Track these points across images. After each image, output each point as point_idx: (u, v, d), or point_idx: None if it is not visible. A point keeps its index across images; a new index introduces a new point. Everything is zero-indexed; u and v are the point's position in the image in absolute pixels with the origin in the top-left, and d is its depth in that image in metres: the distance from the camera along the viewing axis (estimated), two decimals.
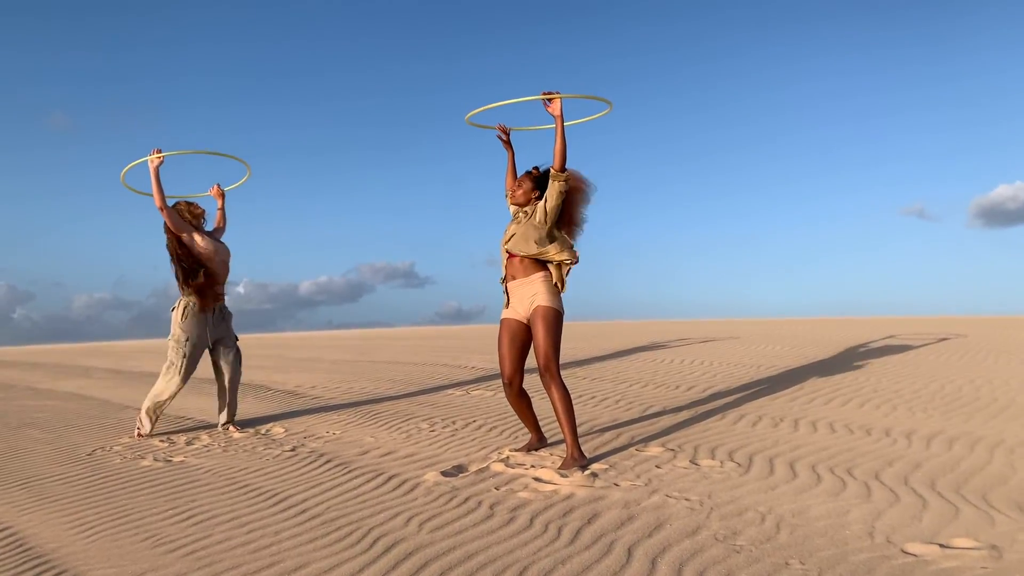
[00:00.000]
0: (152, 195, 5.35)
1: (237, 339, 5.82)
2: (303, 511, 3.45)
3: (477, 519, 3.20)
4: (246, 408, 6.84)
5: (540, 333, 4.07)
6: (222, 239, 5.89)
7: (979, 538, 2.73)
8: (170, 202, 5.46)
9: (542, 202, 4.18)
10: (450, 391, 7.37)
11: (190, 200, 5.73)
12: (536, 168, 4.41)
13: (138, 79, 37.26)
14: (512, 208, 4.42)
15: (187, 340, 5.43)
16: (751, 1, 36.07)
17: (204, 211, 5.74)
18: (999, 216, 31.79)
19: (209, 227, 5.85)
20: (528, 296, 4.15)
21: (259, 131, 37.75)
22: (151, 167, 5.32)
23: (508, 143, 4.70)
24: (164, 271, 5.53)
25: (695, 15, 37.26)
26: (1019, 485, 3.41)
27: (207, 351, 5.67)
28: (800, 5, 35.19)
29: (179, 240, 5.43)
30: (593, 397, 6.47)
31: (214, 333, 5.62)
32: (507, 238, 4.26)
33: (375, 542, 2.96)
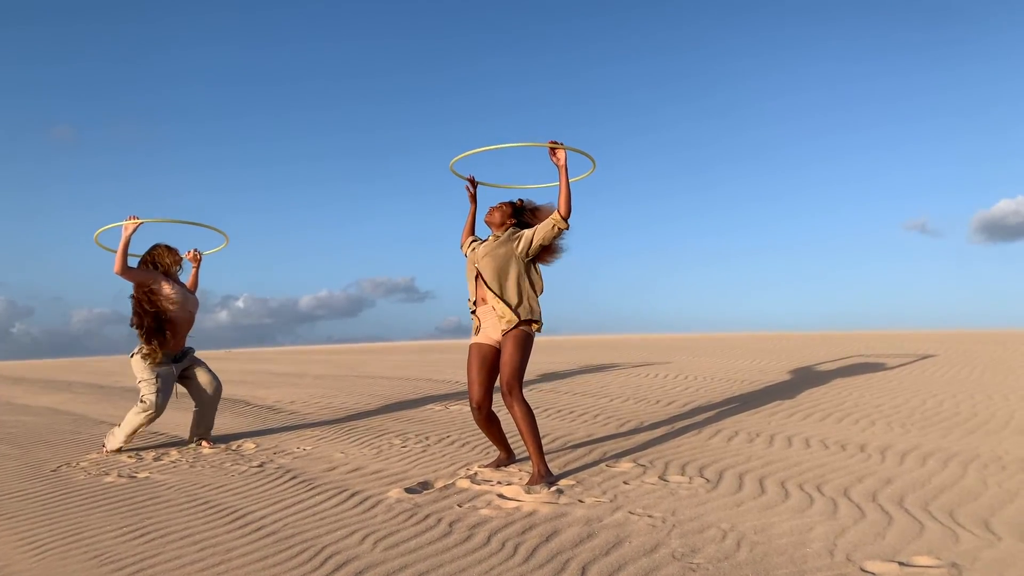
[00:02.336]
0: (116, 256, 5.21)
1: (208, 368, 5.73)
2: (259, 528, 3.38)
3: (434, 537, 3.13)
4: (221, 423, 6.76)
5: (508, 352, 3.99)
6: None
7: (941, 556, 2.66)
8: (133, 261, 5.40)
9: (530, 233, 4.09)
10: (429, 406, 7.29)
11: (172, 246, 5.66)
12: (520, 200, 4.35)
13: (143, 93, 37.28)
14: (469, 250, 4.37)
15: (156, 378, 5.34)
16: (750, 9, 36.25)
17: (182, 259, 5.70)
18: (1001, 231, 31.79)
19: (183, 279, 5.82)
20: (500, 321, 4.09)
21: (261, 145, 37.84)
22: (124, 233, 5.17)
23: (474, 197, 4.65)
24: None
25: (691, 21, 37.42)
26: (989, 502, 3.35)
27: (180, 381, 5.61)
28: (801, 16, 35.36)
29: (145, 290, 5.33)
30: (572, 412, 6.40)
31: (179, 367, 5.56)
32: (481, 255, 4.17)
33: (326, 560, 2.89)
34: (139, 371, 5.35)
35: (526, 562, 2.78)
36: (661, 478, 3.96)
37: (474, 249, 4.29)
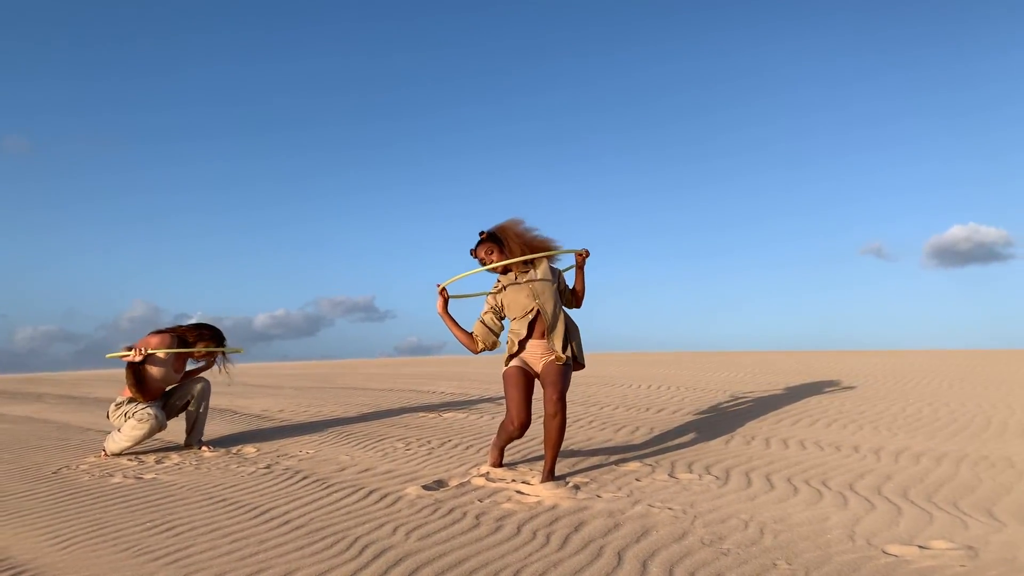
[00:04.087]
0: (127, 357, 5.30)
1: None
2: (286, 522, 3.42)
3: (464, 528, 3.21)
4: (213, 429, 6.73)
5: (561, 372, 4.10)
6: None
7: (954, 540, 2.83)
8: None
9: (562, 281, 4.36)
10: (421, 414, 7.34)
11: (214, 344, 5.59)
12: (483, 232, 4.35)
13: (101, 111, 36.43)
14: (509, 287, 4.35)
15: (143, 407, 5.34)
16: (708, 35, 37.01)
17: (204, 353, 5.62)
18: (952, 256, 32.64)
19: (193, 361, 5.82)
20: (550, 354, 4.20)
21: (219, 162, 37.35)
22: (132, 358, 5.26)
23: (444, 307, 4.32)
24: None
25: (649, 54, 38.01)
26: (987, 494, 3.53)
27: (171, 398, 5.64)
28: (760, 40, 36.21)
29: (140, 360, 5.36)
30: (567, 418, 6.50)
31: (163, 396, 5.61)
32: (536, 292, 4.21)
33: (363, 550, 2.95)
34: (117, 414, 5.38)
35: (561, 549, 2.87)
36: (671, 476, 4.09)
37: (503, 289, 4.31)
